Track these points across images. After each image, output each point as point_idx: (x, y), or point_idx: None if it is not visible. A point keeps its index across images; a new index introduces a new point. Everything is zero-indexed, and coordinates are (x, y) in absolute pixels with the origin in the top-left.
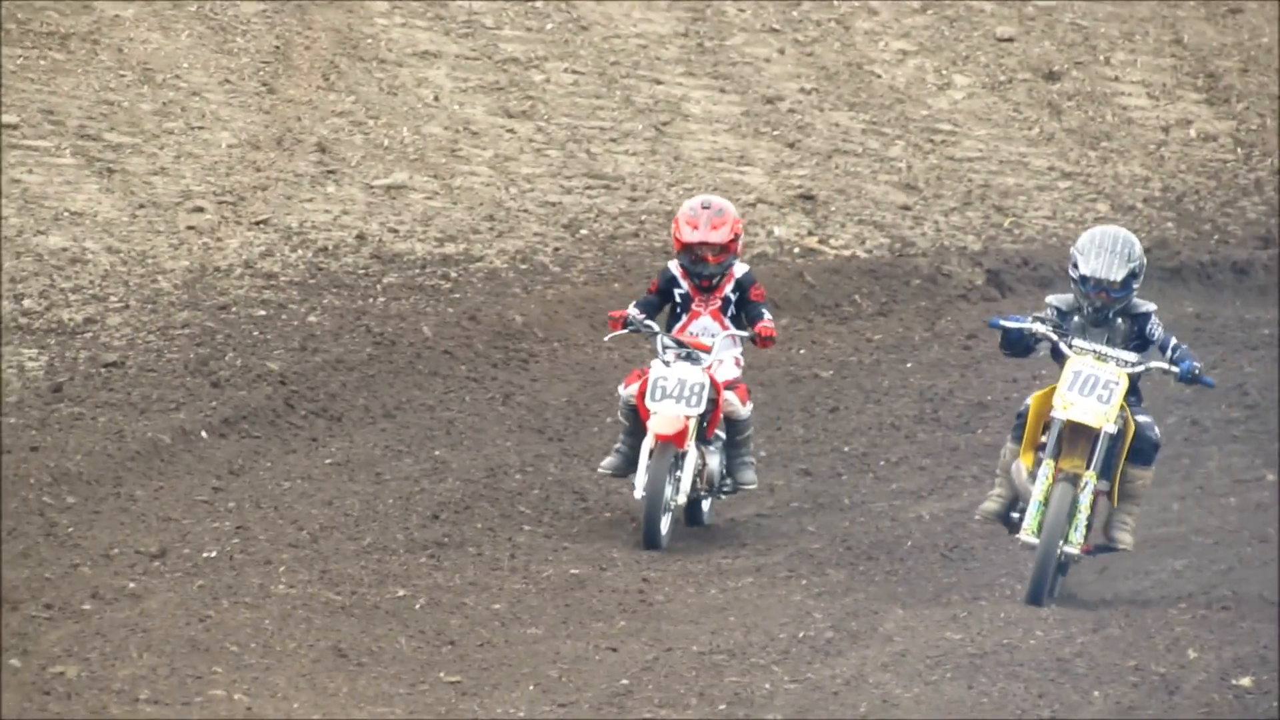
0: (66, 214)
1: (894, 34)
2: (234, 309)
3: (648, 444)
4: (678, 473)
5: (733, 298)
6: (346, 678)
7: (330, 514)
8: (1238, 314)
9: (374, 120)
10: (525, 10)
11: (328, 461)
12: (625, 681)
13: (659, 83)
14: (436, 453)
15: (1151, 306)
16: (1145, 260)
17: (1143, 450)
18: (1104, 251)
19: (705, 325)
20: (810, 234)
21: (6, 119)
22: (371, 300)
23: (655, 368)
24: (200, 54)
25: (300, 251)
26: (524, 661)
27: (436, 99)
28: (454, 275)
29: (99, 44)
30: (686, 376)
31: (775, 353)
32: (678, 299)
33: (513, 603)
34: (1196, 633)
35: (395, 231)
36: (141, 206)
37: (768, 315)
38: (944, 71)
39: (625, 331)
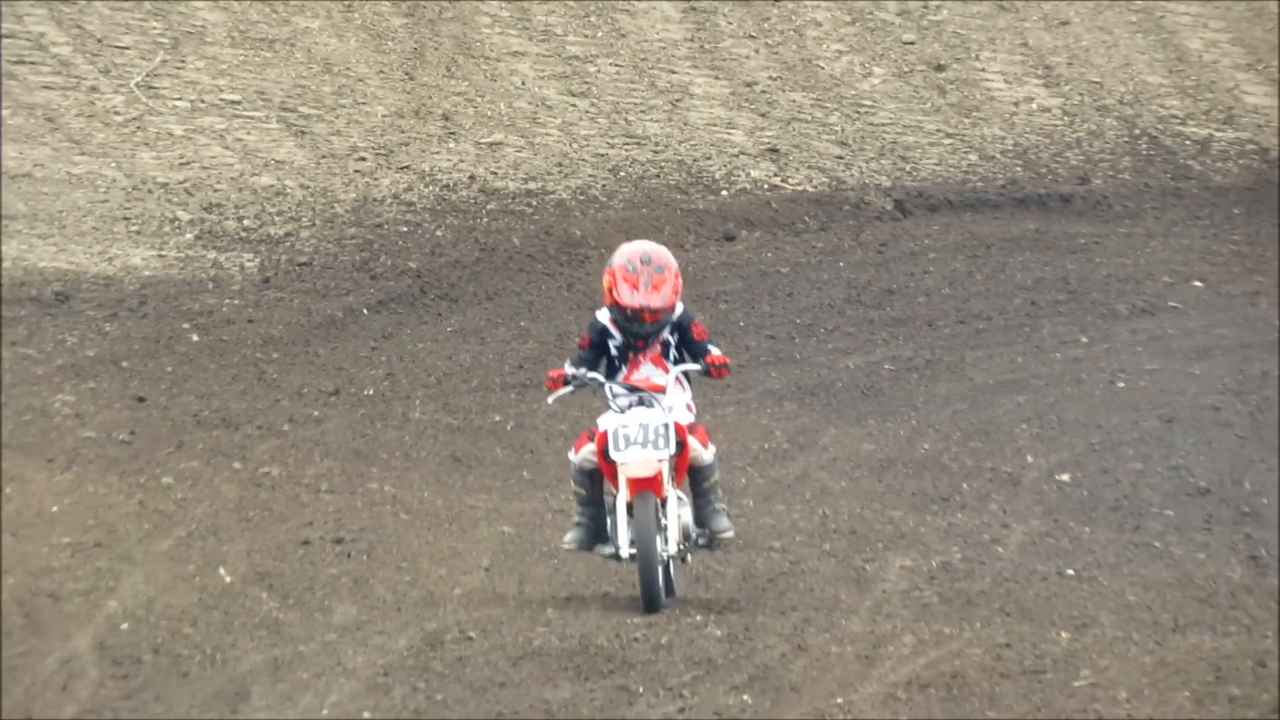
0: (273, 162)
1: (833, 39)
2: (385, 226)
3: (622, 498)
4: (663, 521)
5: (672, 340)
6: (460, 475)
7: (449, 365)
8: (1064, 229)
9: (480, 98)
10: (582, 22)
11: (448, 330)
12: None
13: (673, 72)
14: (522, 324)
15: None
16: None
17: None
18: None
19: (649, 373)
20: (775, 175)
21: (230, 97)
22: (478, 221)
23: (609, 419)
24: (363, 52)
25: (430, 188)
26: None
27: (523, 83)
28: (534, 204)
29: (294, 46)
30: (648, 420)
31: (752, 254)
32: (613, 350)
33: (573, 424)
34: (1032, 443)
35: (494, 174)
36: (323, 157)
37: (715, 350)
38: (866, 65)
39: (567, 390)
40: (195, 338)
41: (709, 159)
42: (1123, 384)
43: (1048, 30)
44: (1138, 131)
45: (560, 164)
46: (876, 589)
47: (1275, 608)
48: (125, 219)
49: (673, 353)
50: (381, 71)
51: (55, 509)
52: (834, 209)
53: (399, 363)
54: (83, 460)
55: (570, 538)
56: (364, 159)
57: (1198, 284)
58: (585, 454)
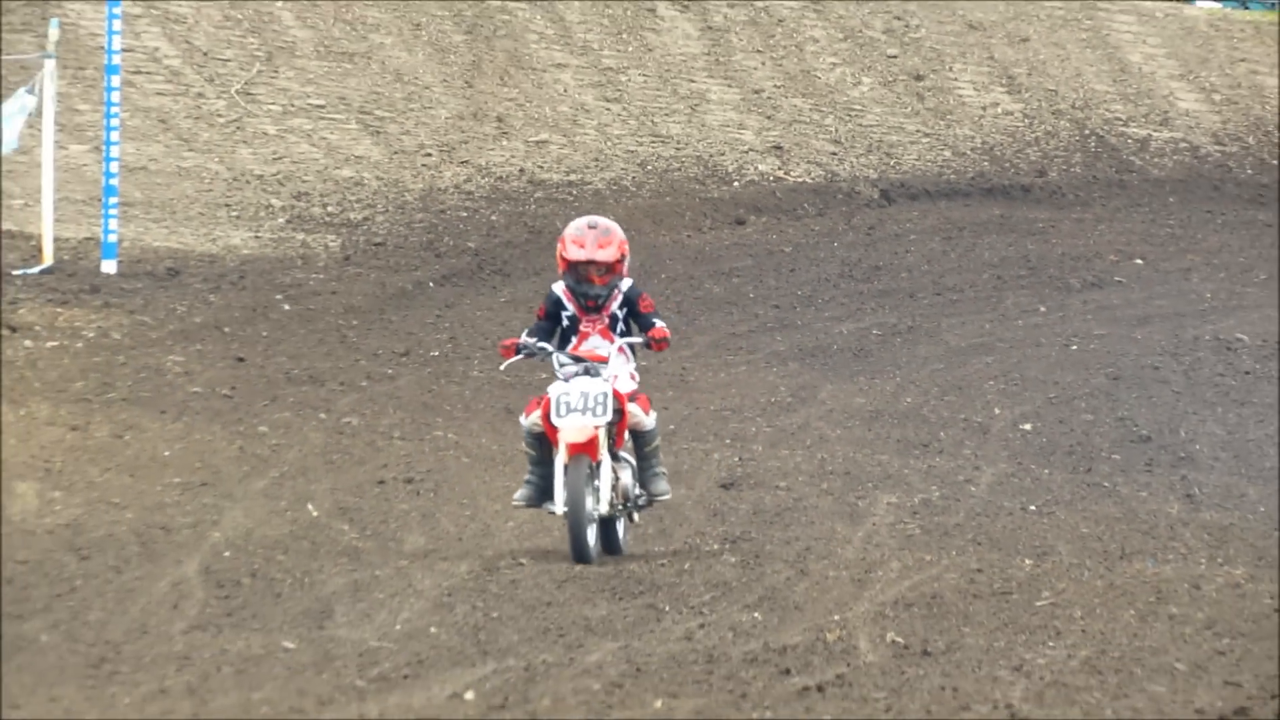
0: (352, 157)
1: (828, 53)
2: (447, 212)
3: (561, 460)
4: (595, 483)
5: (620, 314)
6: (512, 424)
7: (503, 330)
8: (1025, 214)
9: (529, 103)
10: (615, 39)
11: (501, 300)
12: (672, 426)
13: (692, 81)
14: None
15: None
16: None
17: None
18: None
19: (596, 344)
20: (779, 169)
21: (316, 102)
22: (527, 207)
23: (555, 387)
24: (429, 64)
25: (486, 179)
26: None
27: (565, 90)
28: (574, 193)
29: (370, 58)
30: (589, 389)
31: (759, 236)
32: (565, 321)
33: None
34: (999, 397)
35: (540, 168)
36: (396, 153)
37: (659, 323)
38: (856, 75)
39: (519, 358)
40: (286, 307)
41: (722, 155)
42: (1075, 347)
43: (1010, 45)
44: (1087, 132)
45: (596, 159)
46: (867, 522)
47: (1206, 538)
48: (226, 206)
49: (620, 326)
50: (444, 80)
51: (167, 453)
52: (829, 197)
53: (460, 328)
54: (190, 411)
55: (520, 495)
56: (430, 155)
57: (1139, 262)
58: (534, 418)
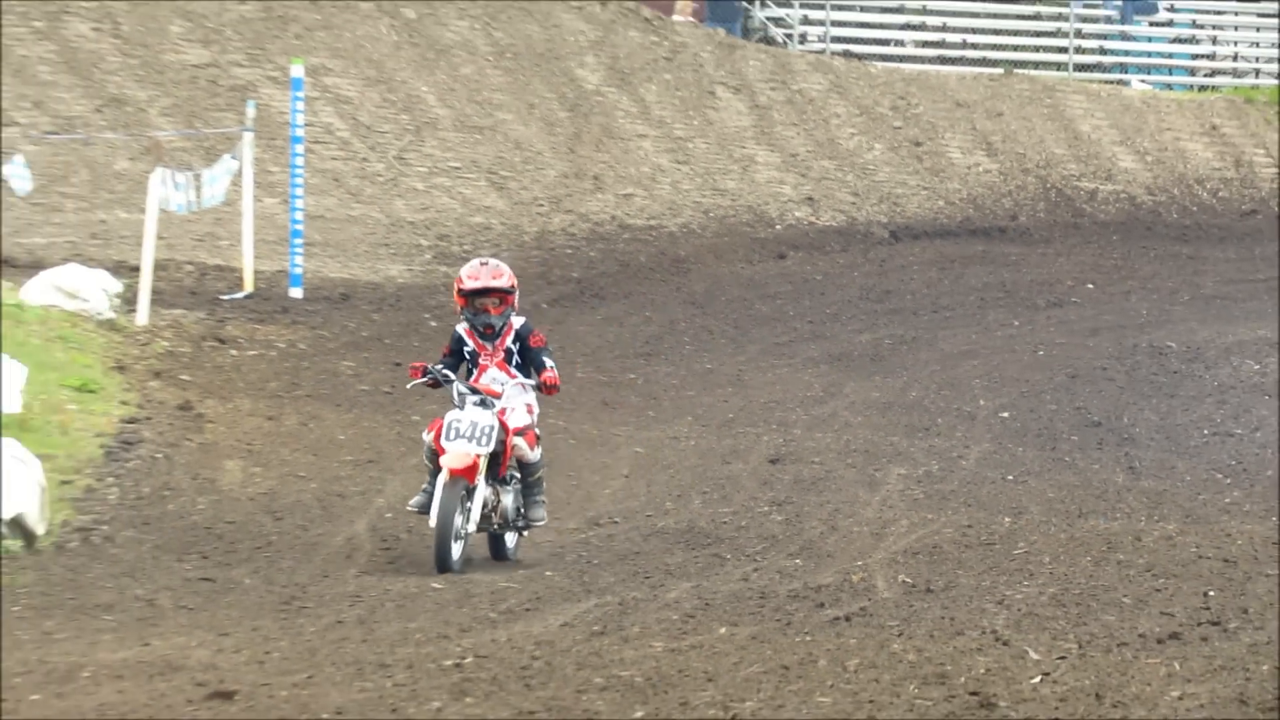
0: (482, 207)
1: (848, 126)
2: (555, 250)
3: (442, 478)
4: (469, 504)
5: (514, 348)
6: (608, 414)
7: (599, 340)
8: (1001, 250)
9: (618, 165)
10: (684, 115)
11: (598, 317)
12: (730, 415)
13: (744, 147)
14: (646, 314)
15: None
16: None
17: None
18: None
19: (494, 376)
20: (811, 215)
21: (454, 164)
22: (616, 246)
23: (452, 413)
24: (540, 135)
25: (585, 224)
26: (685, 403)
27: (645, 155)
28: (653, 234)
29: (495, 131)
30: (478, 419)
31: (797, 267)
32: (467, 356)
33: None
34: (983, 391)
35: (627, 215)
36: (515, 204)
37: (549, 362)
38: (870, 142)
39: (424, 380)
40: (433, 323)
41: (767, 204)
42: (1042, 352)
43: (989, 119)
44: (1049, 185)
45: (670, 208)
46: (882, 489)
47: (1145, 501)
48: (386, 245)
49: (515, 359)
50: (553, 147)
51: (342, 437)
52: (850, 237)
53: (566, 339)
54: (359, 405)
55: (414, 501)
56: (542, 205)
57: (1090, 286)
58: (429, 437)
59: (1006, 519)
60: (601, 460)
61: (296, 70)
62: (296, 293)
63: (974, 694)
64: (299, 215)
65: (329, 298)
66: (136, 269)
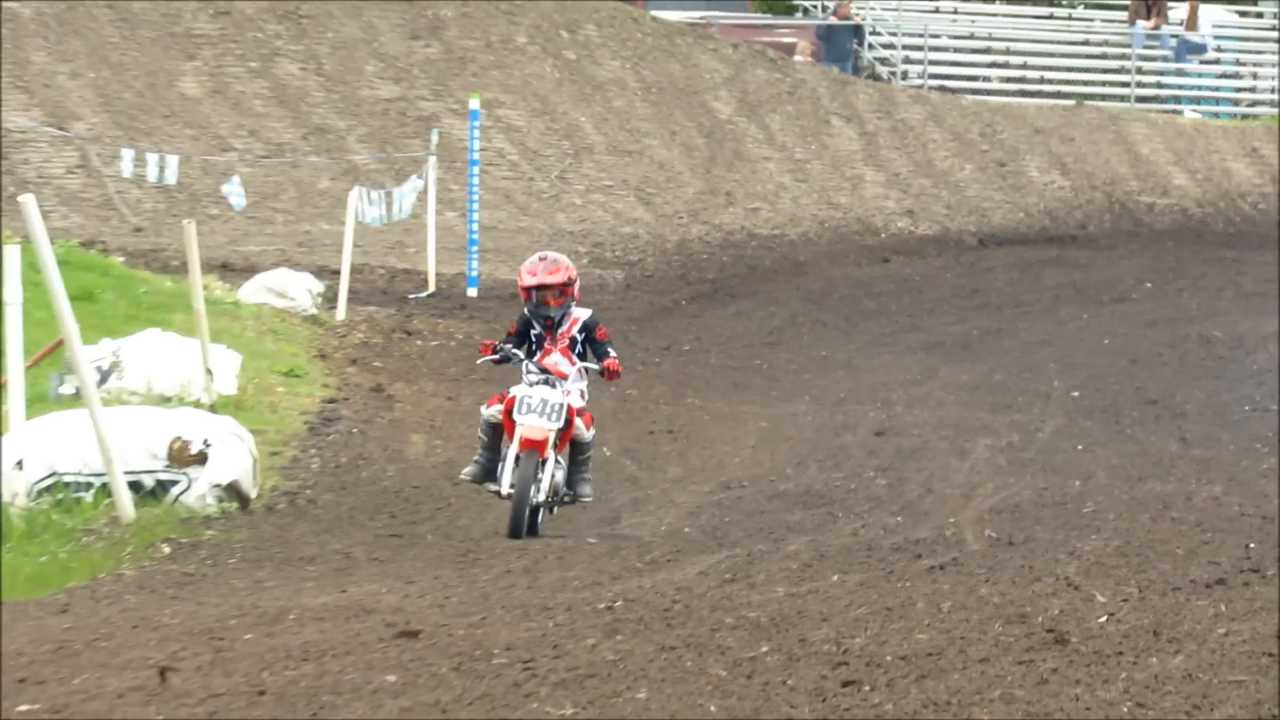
0: (631, 219)
1: (943, 149)
2: (694, 256)
3: (514, 450)
4: (540, 476)
5: (579, 338)
6: (737, 394)
7: (730, 332)
8: (1073, 255)
9: (747, 183)
10: (803, 141)
11: (730, 313)
12: (841, 395)
13: (853, 168)
14: (771, 309)
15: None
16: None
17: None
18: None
19: (557, 360)
20: (911, 225)
21: (607, 183)
22: (746, 252)
23: (520, 389)
24: (681, 158)
25: (719, 233)
26: (802, 384)
27: (770, 175)
28: (777, 242)
29: (641, 154)
30: (548, 397)
31: (899, 270)
32: (533, 339)
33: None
34: (1057, 374)
35: (755, 225)
36: (660, 216)
37: (613, 352)
38: (961, 163)
39: (494, 357)
40: None
41: (873, 216)
42: (1107, 341)
43: (1062, 143)
44: (1113, 200)
45: (791, 219)
46: (971, 456)
47: (1195, 467)
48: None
49: (579, 348)
50: (691, 168)
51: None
52: (944, 244)
53: (703, 331)
54: None
55: (467, 471)
56: (682, 218)
57: (1148, 285)
58: (494, 410)
59: (1077, 482)
60: (731, 433)
61: (474, 103)
62: (473, 292)
63: (1050, 631)
64: (475, 226)
65: (500, 296)
66: (336, 272)
